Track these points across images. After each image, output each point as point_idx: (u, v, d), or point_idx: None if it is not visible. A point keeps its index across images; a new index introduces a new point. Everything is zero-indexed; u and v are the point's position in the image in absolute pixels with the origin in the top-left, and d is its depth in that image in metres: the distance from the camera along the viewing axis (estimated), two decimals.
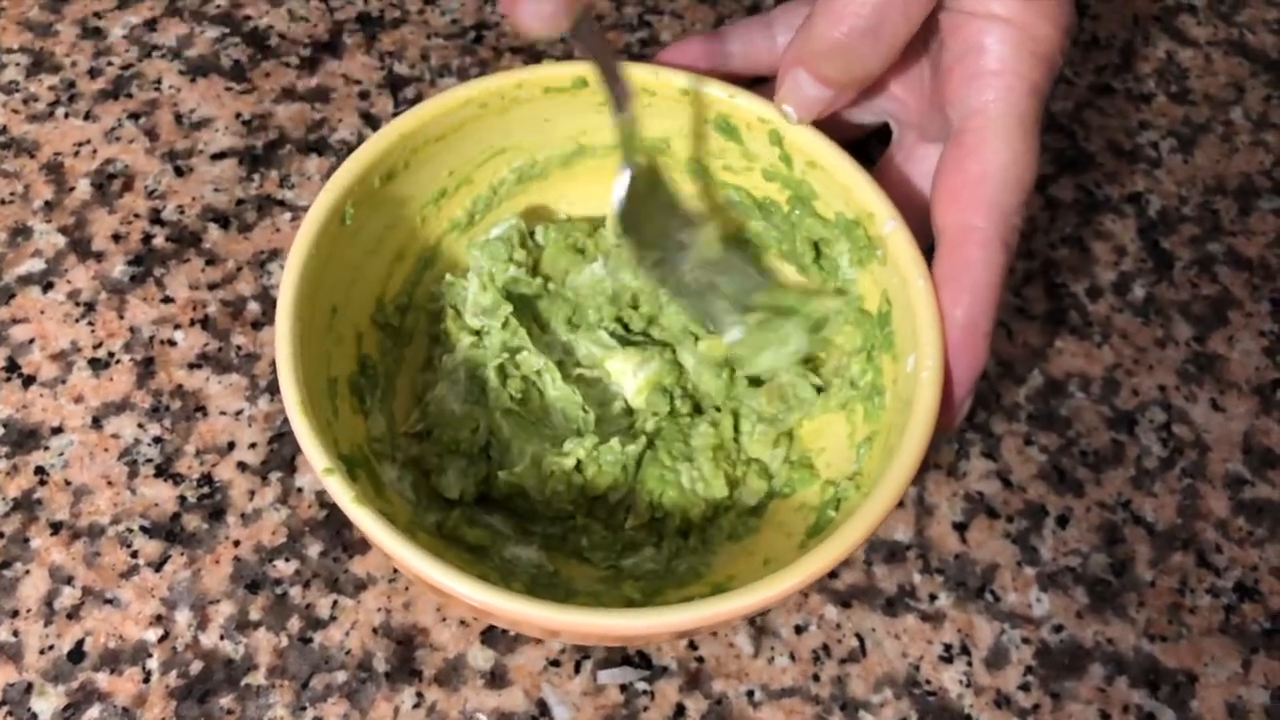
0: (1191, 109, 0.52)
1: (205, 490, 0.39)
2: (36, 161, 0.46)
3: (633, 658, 0.37)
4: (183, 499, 0.39)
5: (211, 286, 0.43)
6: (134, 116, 0.47)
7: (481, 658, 0.37)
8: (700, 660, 0.37)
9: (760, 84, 0.40)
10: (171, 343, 0.42)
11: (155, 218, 0.45)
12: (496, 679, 0.36)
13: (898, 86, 0.40)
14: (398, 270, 0.39)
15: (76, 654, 0.36)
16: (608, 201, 0.38)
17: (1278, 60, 0.53)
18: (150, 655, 0.36)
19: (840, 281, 0.39)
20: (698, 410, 0.40)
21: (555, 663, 0.37)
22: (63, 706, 0.35)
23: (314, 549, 0.38)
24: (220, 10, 0.51)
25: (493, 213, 0.41)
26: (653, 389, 0.39)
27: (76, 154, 0.46)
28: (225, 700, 0.35)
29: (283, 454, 0.40)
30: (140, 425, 0.40)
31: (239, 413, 0.41)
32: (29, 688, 0.35)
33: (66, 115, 0.47)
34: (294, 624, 0.37)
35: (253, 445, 0.40)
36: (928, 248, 0.35)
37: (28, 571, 0.37)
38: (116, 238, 0.44)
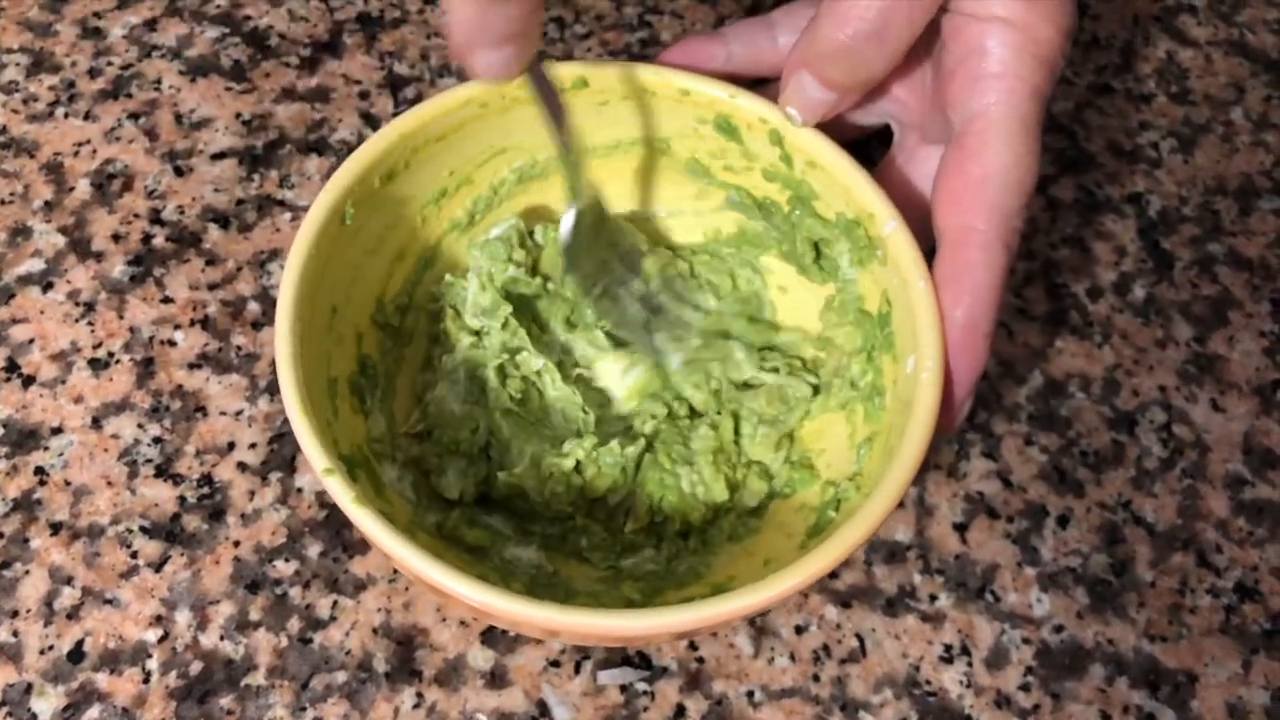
0: (1192, 109, 0.52)
1: (205, 490, 0.39)
2: (36, 161, 0.46)
3: (633, 658, 0.37)
4: (183, 499, 0.39)
5: (211, 286, 0.43)
6: (134, 116, 0.47)
7: (481, 658, 0.37)
8: (700, 661, 0.37)
9: (761, 84, 0.40)
10: (171, 343, 0.42)
11: (155, 218, 0.45)
12: (496, 679, 0.36)
13: (899, 88, 0.40)
14: (398, 270, 0.39)
15: (76, 654, 0.36)
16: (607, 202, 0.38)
17: (1278, 60, 0.53)
18: (150, 656, 0.36)
19: (841, 281, 0.39)
20: (696, 413, 0.40)
21: (555, 663, 0.37)
22: (62, 707, 0.35)
23: (314, 549, 0.38)
24: (220, 10, 0.51)
25: (493, 213, 0.41)
26: (642, 395, 0.39)
27: (76, 154, 0.46)
28: (225, 700, 0.35)
29: (283, 454, 0.40)
30: (140, 425, 0.40)
31: (239, 413, 0.41)
32: (29, 688, 0.35)
33: (66, 115, 0.47)
34: (294, 624, 0.37)
35: (253, 445, 0.40)
36: (929, 249, 0.35)
37: (27, 572, 0.37)
38: (116, 238, 0.44)
